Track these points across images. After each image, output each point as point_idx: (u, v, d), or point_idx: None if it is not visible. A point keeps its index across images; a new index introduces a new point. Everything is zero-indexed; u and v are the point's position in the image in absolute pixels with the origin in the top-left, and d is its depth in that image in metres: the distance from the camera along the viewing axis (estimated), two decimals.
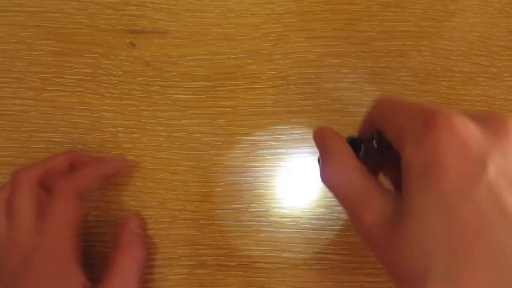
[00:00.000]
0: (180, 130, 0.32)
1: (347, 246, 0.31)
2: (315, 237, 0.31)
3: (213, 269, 0.30)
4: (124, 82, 0.33)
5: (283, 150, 0.32)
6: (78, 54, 0.33)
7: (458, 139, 0.16)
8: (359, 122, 0.33)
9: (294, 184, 0.32)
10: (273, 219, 0.31)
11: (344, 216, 0.31)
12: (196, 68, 0.33)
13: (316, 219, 0.31)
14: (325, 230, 0.31)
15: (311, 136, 0.32)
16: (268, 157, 0.32)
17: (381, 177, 0.23)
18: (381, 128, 0.20)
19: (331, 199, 0.31)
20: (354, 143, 0.22)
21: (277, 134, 0.32)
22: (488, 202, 0.15)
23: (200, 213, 0.31)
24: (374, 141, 0.21)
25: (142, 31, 0.34)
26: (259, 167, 0.32)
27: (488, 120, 0.17)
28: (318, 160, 0.22)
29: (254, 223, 0.31)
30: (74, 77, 0.33)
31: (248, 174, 0.32)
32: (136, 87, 0.33)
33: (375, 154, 0.22)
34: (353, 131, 0.32)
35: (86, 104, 0.33)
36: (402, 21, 0.34)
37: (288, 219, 0.31)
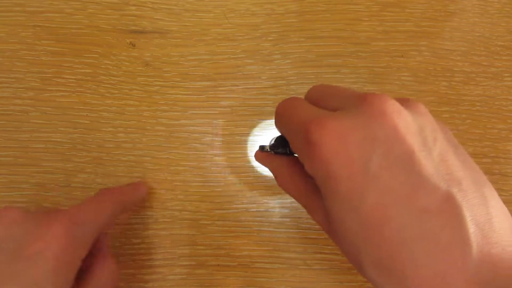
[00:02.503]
0: (180, 130, 0.32)
1: None
2: (315, 237, 0.31)
3: (213, 269, 0.30)
4: (124, 82, 0.33)
5: None
6: (78, 54, 0.33)
7: (337, 146, 0.16)
8: None
9: None
10: (273, 219, 0.31)
11: None
12: (196, 68, 0.33)
13: None
14: None
15: None
16: None
17: None
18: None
19: None
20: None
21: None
22: (383, 191, 0.16)
23: (200, 213, 0.31)
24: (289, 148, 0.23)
25: (142, 31, 0.34)
26: (259, 167, 0.32)
27: (359, 109, 0.17)
28: (260, 147, 0.25)
29: (254, 223, 0.31)
30: (74, 77, 0.33)
31: (248, 174, 0.32)
32: (136, 87, 0.33)
33: None
34: None
35: (86, 104, 0.33)
36: (402, 21, 0.34)
37: (288, 219, 0.31)
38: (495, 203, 0.17)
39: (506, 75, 0.34)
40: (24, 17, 0.34)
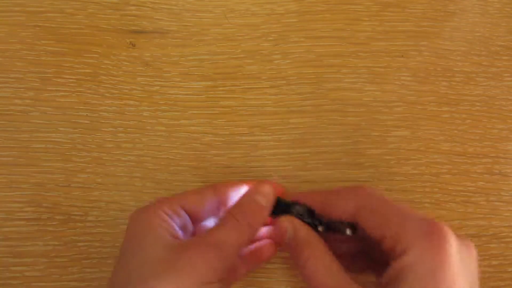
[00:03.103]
0: (180, 130, 0.32)
1: None
2: None
3: None
4: (124, 82, 0.33)
5: (283, 150, 0.32)
6: (78, 54, 0.33)
7: (456, 251, 0.20)
8: (359, 122, 0.33)
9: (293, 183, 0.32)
10: None
11: None
12: (196, 68, 0.33)
13: None
14: None
15: (311, 136, 0.32)
16: (268, 157, 0.32)
17: None
18: (365, 222, 0.23)
19: None
20: (311, 216, 0.25)
21: (277, 134, 0.32)
22: None
23: None
24: (348, 230, 0.24)
25: (142, 31, 0.34)
26: (259, 167, 0.32)
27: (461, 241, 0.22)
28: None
29: None
30: (74, 77, 0.33)
31: (248, 174, 0.32)
32: (136, 87, 0.33)
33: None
34: (354, 131, 0.32)
35: (86, 104, 0.33)
36: (402, 21, 0.34)
37: None
38: None
39: (506, 75, 0.34)
40: (24, 17, 0.34)
